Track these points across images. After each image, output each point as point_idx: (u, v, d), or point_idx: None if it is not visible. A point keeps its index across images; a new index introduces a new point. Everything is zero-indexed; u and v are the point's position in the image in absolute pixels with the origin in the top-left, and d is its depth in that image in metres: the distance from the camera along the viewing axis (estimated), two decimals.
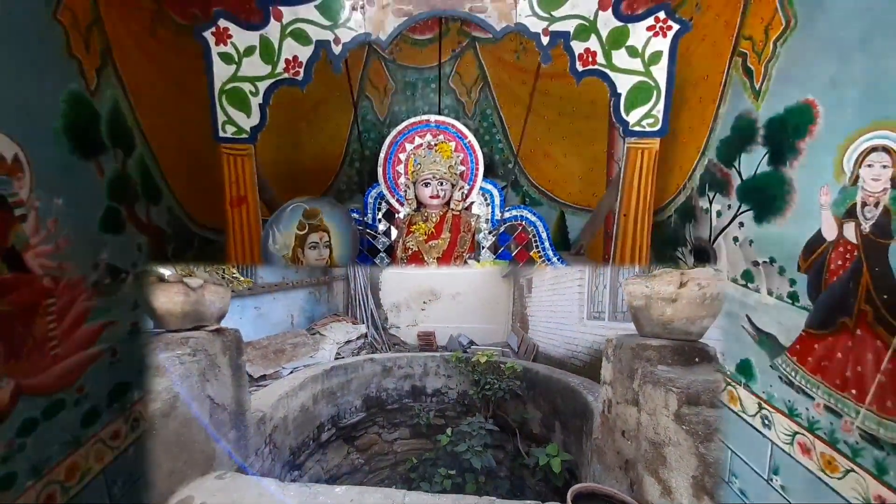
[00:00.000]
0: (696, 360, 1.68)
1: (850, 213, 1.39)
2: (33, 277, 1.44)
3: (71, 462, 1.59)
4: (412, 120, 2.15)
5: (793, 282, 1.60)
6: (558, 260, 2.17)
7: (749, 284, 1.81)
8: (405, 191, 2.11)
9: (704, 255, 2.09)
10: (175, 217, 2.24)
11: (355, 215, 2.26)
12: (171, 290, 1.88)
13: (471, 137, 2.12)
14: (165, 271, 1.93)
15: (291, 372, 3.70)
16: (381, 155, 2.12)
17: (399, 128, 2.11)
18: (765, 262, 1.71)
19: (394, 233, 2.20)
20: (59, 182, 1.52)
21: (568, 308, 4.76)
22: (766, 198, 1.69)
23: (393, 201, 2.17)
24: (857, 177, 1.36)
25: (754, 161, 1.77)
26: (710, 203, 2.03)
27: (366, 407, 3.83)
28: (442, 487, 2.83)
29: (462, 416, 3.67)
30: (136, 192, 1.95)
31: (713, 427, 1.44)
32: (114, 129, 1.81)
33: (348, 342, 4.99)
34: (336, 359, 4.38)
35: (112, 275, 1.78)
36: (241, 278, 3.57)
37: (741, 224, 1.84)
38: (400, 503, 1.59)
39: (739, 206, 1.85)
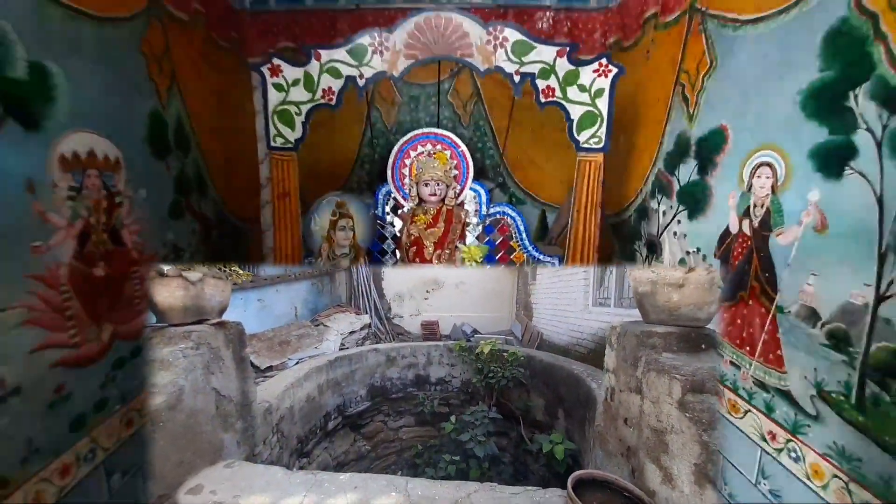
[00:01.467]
0: (703, 346, 1.67)
1: (746, 213, 1.82)
2: (127, 250, 1.89)
3: (140, 400, 1.99)
4: (416, 132, 2.60)
5: (711, 266, 2.04)
6: (533, 248, 2.62)
7: None
8: (409, 189, 2.57)
9: (654, 247, 2.53)
10: (218, 208, 2.70)
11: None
12: (171, 285, 1.92)
13: (463, 147, 2.57)
14: (164, 266, 1.99)
15: (297, 363, 3.73)
16: (390, 160, 2.58)
17: (405, 138, 2.57)
18: (694, 251, 2.15)
19: (398, 223, 2.65)
20: (142, 177, 1.98)
21: (573, 295, 4.71)
22: (695, 200, 2.13)
23: (399, 197, 2.63)
24: (751, 185, 1.80)
25: (688, 171, 2.21)
26: (659, 204, 2.47)
27: (371, 396, 3.84)
28: (446, 473, 2.85)
29: (466, 405, 3.71)
30: (191, 187, 2.40)
31: (717, 415, 1.44)
32: (178, 136, 2.26)
33: (352, 333, 5.05)
34: (340, 349, 4.41)
35: (175, 252, 2.23)
36: (241, 271, 3.86)
37: (679, 221, 2.28)
38: (403, 489, 1.63)
39: (678, 207, 2.29)
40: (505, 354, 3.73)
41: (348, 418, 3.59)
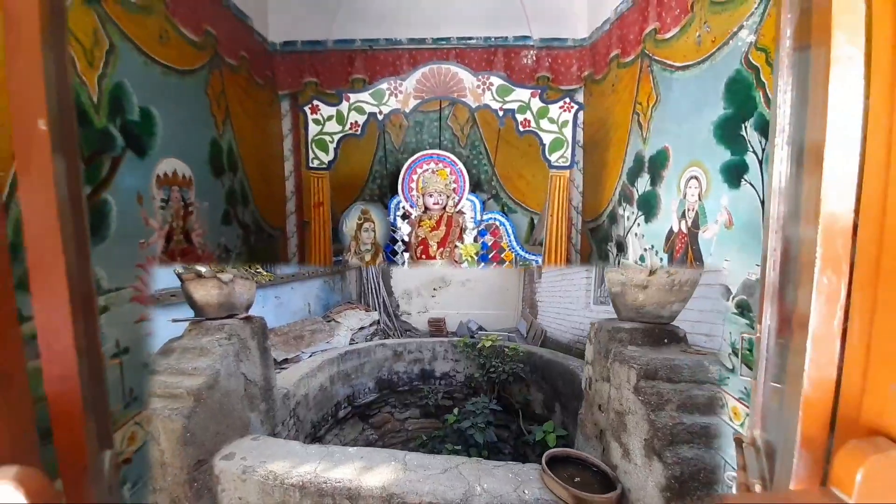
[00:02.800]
0: (665, 340, 1.86)
1: (683, 216, 2.31)
2: (194, 249, 2.39)
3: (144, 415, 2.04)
4: (421, 153, 3.14)
5: (662, 259, 2.52)
6: (520, 249, 3.12)
7: (642, 263, 2.72)
8: (416, 200, 3.09)
9: (622, 246, 3.01)
10: (255, 218, 3.21)
11: None
12: (208, 285, 2.18)
13: (461, 165, 3.09)
14: (201, 268, 2.20)
15: (310, 356, 3.90)
16: (400, 176, 3.11)
17: (412, 158, 3.10)
18: (649, 248, 2.64)
19: (406, 228, 3.16)
20: (205, 192, 2.48)
21: (576, 293, 4.84)
22: (649, 206, 2.62)
23: (408, 206, 3.14)
24: (685, 193, 2.29)
25: (644, 183, 2.71)
26: (624, 211, 2.96)
27: (378, 388, 3.99)
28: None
29: (469, 398, 3.77)
30: (237, 200, 2.92)
31: (665, 398, 1.60)
32: (229, 159, 2.79)
33: (361, 328, 5.22)
34: (350, 344, 4.56)
35: (225, 252, 2.73)
36: (264, 273, 4.24)
37: (638, 224, 2.77)
38: (402, 460, 1.86)
39: (638, 212, 2.78)
40: (506, 350, 3.89)
41: (357, 408, 3.75)
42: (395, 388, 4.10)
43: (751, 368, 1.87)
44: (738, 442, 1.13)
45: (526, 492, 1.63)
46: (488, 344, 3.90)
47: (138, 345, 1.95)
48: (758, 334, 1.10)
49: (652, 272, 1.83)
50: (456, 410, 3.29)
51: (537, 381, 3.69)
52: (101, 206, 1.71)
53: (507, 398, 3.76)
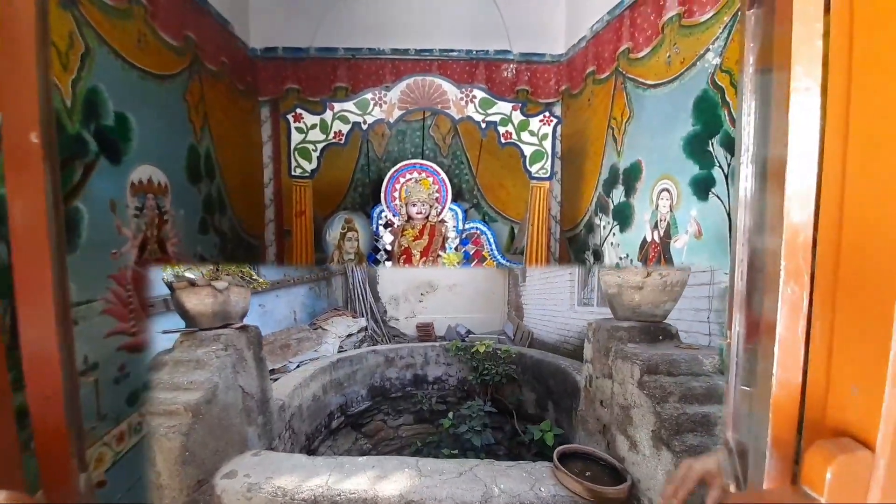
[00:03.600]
0: (660, 337, 1.96)
1: (655, 226, 2.42)
2: (169, 258, 2.31)
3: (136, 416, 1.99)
4: (404, 162, 3.16)
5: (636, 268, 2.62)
6: (501, 257, 3.17)
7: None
8: (399, 209, 3.10)
9: (599, 255, 3.11)
10: (233, 226, 3.14)
11: None
12: (201, 293, 2.08)
13: (443, 175, 3.13)
14: (192, 275, 2.09)
15: (298, 366, 3.78)
16: (383, 185, 3.11)
17: (395, 168, 3.12)
18: (624, 256, 2.74)
19: (389, 237, 3.16)
20: (182, 199, 2.42)
21: (560, 296, 4.90)
22: (624, 217, 2.73)
23: (390, 215, 3.15)
24: (657, 205, 2.40)
25: (619, 194, 2.81)
26: (600, 220, 3.06)
27: (371, 396, 3.90)
28: None
29: (462, 401, 3.77)
30: (214, 207, 2.85)
31: (668, 391, 1.65)
32: (207, 166, 2.73)
33: (349, 335, 5.07)
34: (339, 352, 4.44)
35: (202, 261, 2.66)
36: (259, 279, 4.14)
37: (614, 233, 2.87)
38: (415, 466, 1.84)
39: (613, 222, 2.88)
40: (499, 352, 3.89)
41: (350, 417, 3.66)
42: (387, 395, 4.03)
43: (721, 373, 1.97)
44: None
45: (542, 489, 1.66)
46: (483, 349, 3.87)
47: (109, 361, 1.87)
48: (728, 340, 1.16)
49: (648, 274, 1.92)
50: (451, 415, 3.26)
51: (529, 381, 3.68)
52: (73, 215, 1.65)
53: (500, 400, 3.75)
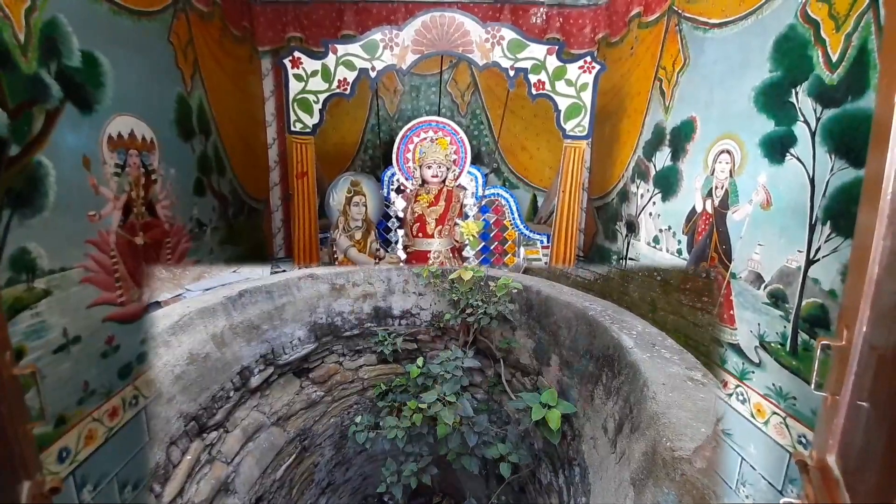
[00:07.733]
0: None
1: (709, 194, 2.09)
2: (160, 222, 2.10)
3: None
4: (419, 119, 2.82)
5: (679, 242, 2.31)
6: (524, 227, 2.88)
7: (657, 246, 2.52)
8: (413, 171, 2.80)
9: (633, 226, 2.80)
10: (234, 188, 2.90)
11: None
12: None
13: (462, 134, 2.80)
14: None
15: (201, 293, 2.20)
16: (395, 144, 2.79)
17: (409, 125, 2.79)
18: (665, 229, 2.42)
19: (401, 203, 2.88)
20: (172, 157, 2.17)
21: None
22: (668, 184, 2.39)
23: (403, 179, 2.85)
24: (714, 169, 2.06)
25: (663, 157, 2.46)
26: (637, 188, 2.73)
27: (314, 337, 2.83)
28: (411, 422, 2.25)
29: (436, 341, 2.95)
30: (211, 167, 2.60)
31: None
32: (200, 120, 2.45)
33: None
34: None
35: (199, 226, 2.44)
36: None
37: (654, 203, 2.54)
38: None
39: (654, 190, 2.55)
40: (492, 285, 2.53)
41: (284, 367, 2.68)
42: (339, 334, 3.00)
43: (782, 365, 1.71)
44: (803, 465, 0.96)
45: None
46: (468, 276, 2.48)
47: (94, 333, 1.70)
48: (841, 342, 0.90)
49: None
50: (420, 360, 2.52)
51: (529, 323, 2.58)
52: (35, 170, 1.42)
53: (484, 341, 2.72)
